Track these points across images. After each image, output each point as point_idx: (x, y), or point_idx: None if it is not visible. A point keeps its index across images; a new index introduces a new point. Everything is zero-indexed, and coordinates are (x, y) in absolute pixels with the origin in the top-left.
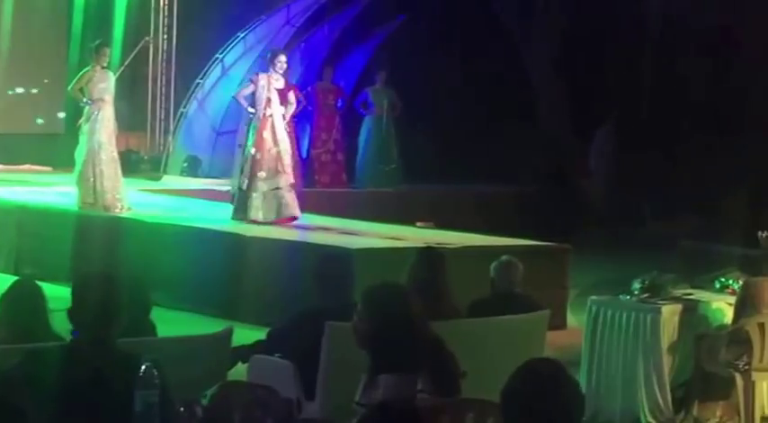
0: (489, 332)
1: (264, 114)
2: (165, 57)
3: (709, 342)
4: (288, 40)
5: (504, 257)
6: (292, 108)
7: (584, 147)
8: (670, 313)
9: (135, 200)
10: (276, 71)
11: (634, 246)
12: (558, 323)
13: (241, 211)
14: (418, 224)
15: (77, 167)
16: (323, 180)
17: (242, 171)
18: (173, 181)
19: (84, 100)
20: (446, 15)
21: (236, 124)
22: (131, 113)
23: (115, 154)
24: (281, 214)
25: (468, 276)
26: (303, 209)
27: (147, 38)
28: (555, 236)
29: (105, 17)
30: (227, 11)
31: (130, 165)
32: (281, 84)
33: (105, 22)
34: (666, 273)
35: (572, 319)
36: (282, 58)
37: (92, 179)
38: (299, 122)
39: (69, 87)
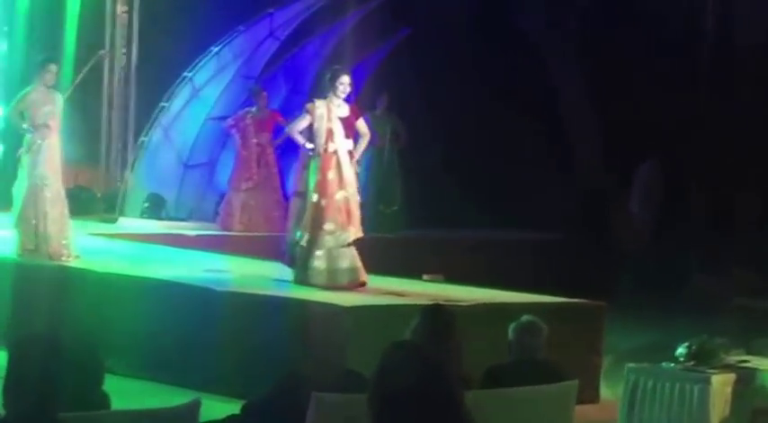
0: (507, 405)
1: (327, 150)
2: (123, 75)
3: None
4: (270, 55)
5: (525, 317)
6: (365, 140)
7: (622, 187)
8: (721, 384)
9: (85, 246)
10: (337, 96)
11: (679, 304)
12: (590, 395)
13: (302, 274)
14: (425, 277)
15: (16, 207)
16: None
17: (301, 222)
18: (131, 224)
19: (25, 126)
20: (458, 30)
21: (208, 155)
22: (82, 143)
23: (62, 191)
24: (351, 278)
25: (482, 340)
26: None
27: (101, 52)
28: (586, 292)
29: (53, 27)
30: (198, 21)
31: (81, 204)
32: (344, 111)
33: (53, 34)
34: (717, 336)
35: (606, 391)
36: (345, 78)
37: (33, 221)
38: (283, 157)
39: (7, 111)
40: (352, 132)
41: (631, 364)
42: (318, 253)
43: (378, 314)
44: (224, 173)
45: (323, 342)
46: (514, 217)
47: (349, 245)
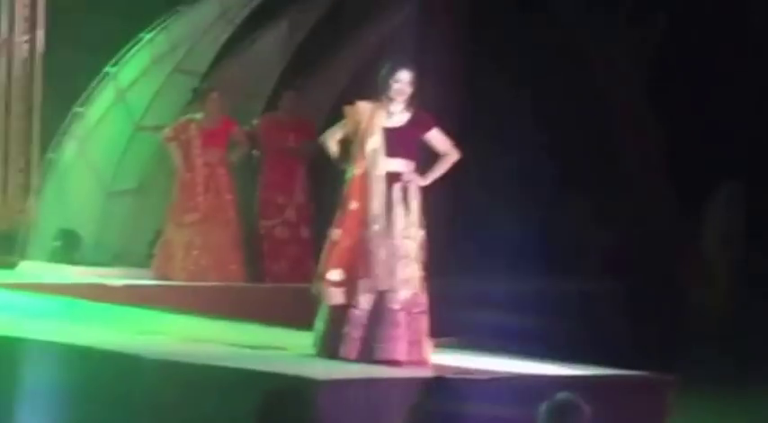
0: None
1: (354, 172)
2: (24, 70)
3: None
4: (221, 45)
5: (560, 395)
6: (446, 161)
7: (693, 223)
8: None
9: None
10: (392, 97)
11: None
12: None
13: (331, 341)
14: (434, 342)
15: None
16: (277, 269)
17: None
18: (36, 269)
19: None
20: (479, 11)
21: (139, 179)
22: None
23: None
24: (381, 350)
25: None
26: (240, 312)
27: None
28: (648, 362)
29: None
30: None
31: None
32: (398, 120)
33: None
34: None
35: None
36: (404, 76)
37: None
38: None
39: None
40: (410, 149)
41: None
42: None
43: (364, 390)
44: (159, 202)
45: None
46: (556, 262)
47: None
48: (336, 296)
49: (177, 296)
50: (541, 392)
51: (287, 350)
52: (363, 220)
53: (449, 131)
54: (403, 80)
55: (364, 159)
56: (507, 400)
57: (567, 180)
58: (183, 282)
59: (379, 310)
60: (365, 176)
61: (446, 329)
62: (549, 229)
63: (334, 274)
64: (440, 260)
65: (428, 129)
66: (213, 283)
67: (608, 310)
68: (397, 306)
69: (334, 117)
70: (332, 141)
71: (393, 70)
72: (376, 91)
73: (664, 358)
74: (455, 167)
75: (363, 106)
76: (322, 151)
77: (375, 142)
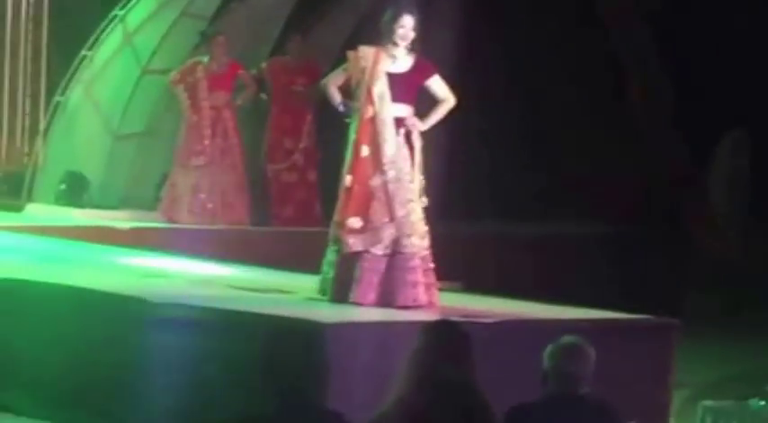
0: None
1: (363, 117)
2: (30, 13)
3: None
4: None
5: (565, 339)
6: (444, 107)
7: (700, 168)
8: None
9: None
10: (396, 43)
11: None
12: None
13: (322, 283)
14: (440, 285)
15: None
16: (284, 213)
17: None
18: (42, 212)
19: None
20: None
21: (146, 122)
22: None
23: None
24: (401, 294)
25: (507, 368)
26: (246, 256)
27: None
28: (652, 305)
29: None
30: None
31: None
32: (402, 66)
33: None
34: None
35: None
36: (407, 20)
37: None
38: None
39: None
40: (412, 94)
41: (709, 402)
42: (334, 256)
43: (369, 333)
44: (166, 145)
45: (293, 372)
46: (561, 206)
47: (407, 247)
48: (357, 243)
49: (183, 239)
50: (547, 335)
51: (293, 293)
52: (377, 165)
53: (449, 78)
54: (407, 25)
55: (372, 104)
56: (513, 344)
57: (576, 125)
58: (190, 225)
59: (396, 255)
60: (374, 121)
61: (448, 274)
62: (558, 175)
63: (354, 222)
64: (439, 204)
65: (430, 75)
66: (219, 227)
67: (615, 255)
68: (413, 251)
69: (342, 61)
70: (333, 86)
71: (397, 15)
72: (379, 35)
73: (668, 302)
74: (453, 112)
75: (367, 51)
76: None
77: (382, 87)
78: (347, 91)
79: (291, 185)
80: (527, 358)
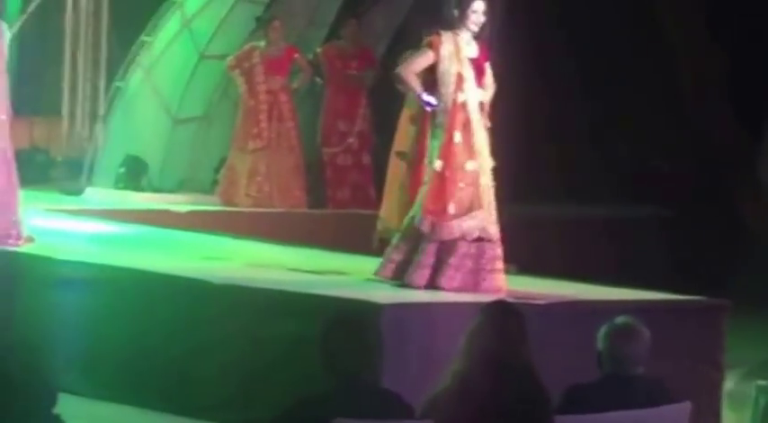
0: None
1: (455, 102)
2: None
3: None
4: None
5: (620, 320)
6: (491, 92)
7: (751, 147)
8: None
9: (40, 226)
10: (468, 28)
11: None
12: (707, 422)
13: (408, 268)
14: None
15: None
16: (339, 196)
17: (399, 194)
18: (102, 196)
19: None
20: None
21: (204, 106)
22: (37, 90)
23: (9, 153)
24: (486, 280)
25: (562, 349)
26: (303, 238)
27: None
28: (704, 286)
29: None
30: None
31: (35, 170)
32: (474, 50)
33: None
34: None
35: (730, 416)
36: (479, 5)
37: None
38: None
39: None
40: (482, 78)
41: (763, 382)
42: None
43: (425, 313)
44: (224, 129)
45: (351, 352)
46: (612, 188)
47: (488, 235)
48: (453, 230)
49: (241, 222)
50: (601, 317)
51: (349, 275)
52: (469, 151)
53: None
54: (479, 10)
55: (462, 90)
56: (567, 325)
57: (625, 109)
58: (247, 208)
59: (484, 242)
60: (465, 107)
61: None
62: (608, 158)
63: (451, 208)
64: (504, 188)
65: (487, 59)
66: (276, 209)
67: (667, 237)
68: (497, 237)
69: (396, 45)
70: (412, 74)
71: (471, 1)
72: (444, 20)
73: (720, 283)
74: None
75: (448, 36)
76: (384, 79)
77: (469, 72)
78: (426, 77)
79: (346, 168)
80: (582, 339)
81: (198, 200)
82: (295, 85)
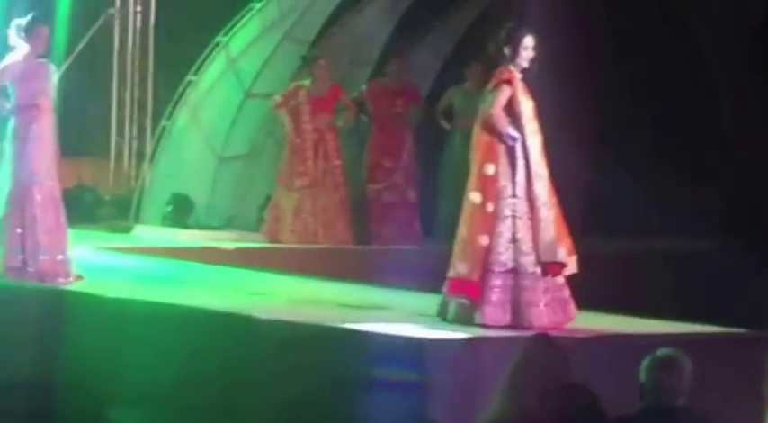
0: None
1: (524, 143)
2: (138, 40)
3: None
4: (328, 14)
5: (662, 351)
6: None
7: None
8: None
9: (89, 264)
10: (519, 64)
11: None
12: None
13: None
14: None
15: None
16: (385, 232)
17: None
18: (149, 234)
19: (9, 107)
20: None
21: (249, 145)
22: (85, 129)
23: (58, 192)
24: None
25: (605, 381)
26: (347, 274)
27: (109, 10)
28: (747, 318)
29: None
30: None
31: (83, 209)
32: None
33: None
34: None
35: None
36: (530, 41)
37: (19, 231)
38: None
39: None
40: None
41: None
42: (497, 283)
43: (467, 348)
44: (269, 167)
45: (396, 385)
46: (654, 221)
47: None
48: (506, 262)
49: (287, 258)
50: (643, 349)
51: (394, 310)
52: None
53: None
54: (530, 46)
55: (524, 127)
56: (609, 357)
57: (671, 141)
58: (293, 244)
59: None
60: (527, 147)
61: None
62: (654, 190)
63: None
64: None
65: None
66: (322, 246)
67: (712, 269)
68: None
69: (440, 82)
70: (500, 110)
71: (522, 36)
72: (492, 56)
73: (764, 315)
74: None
75: (506, 71)
76: (428, 116)
77: (529, 110)
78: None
79: (392, 205)
80: (624, 372)
81: (244, 237)
82: (340, 123)
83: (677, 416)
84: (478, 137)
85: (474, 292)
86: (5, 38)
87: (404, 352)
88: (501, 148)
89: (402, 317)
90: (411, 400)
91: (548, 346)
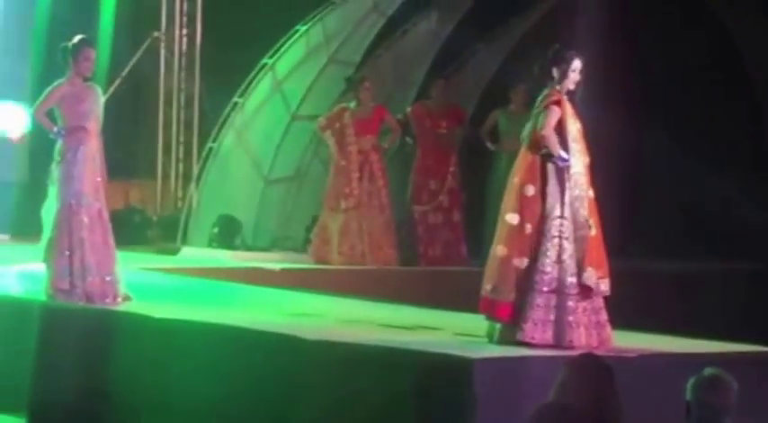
0: None
1: (571, 164)
2: (183, 63)
3: None
4: (374, 36)
5: (708, 371)
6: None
7: None
8: None
9: (137, 285)
10: (566, 86)
11: None
12: None
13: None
14: None
15: (46, 235)
16: (431, 253)
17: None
18: (197, 255)
19: (56, 129)
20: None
21: (296, 166)
22: (132, 151)
23: (105, 213)
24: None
25: (652, 401)
26: (394, 295)
27: (155, 33)
28: None
29: (87, 3)
30: None
31: (131, 230)
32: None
33: (87, 11)
34: None
35: None
36: (578, 64)
37: (67, 252)
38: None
39: (32, 110)
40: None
41: None
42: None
43: (515, 367)
44: (315, 188)
45: (444, 405)
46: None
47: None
48: (550, 284)
49: (333, 279)
50: (688, 369)
51: (441, 330)
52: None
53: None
54: (578, 68)
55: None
56: (655, 377)
57: (717, 160)
58: (339, 265)
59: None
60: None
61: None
62: (698, 210)
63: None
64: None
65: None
66: (368, 267)
67: (752, 291)
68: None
69: (484, 104)
70: (552, 130)
71: (572, 58)
72: (537, 78)
73: None
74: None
75: (562, 95)
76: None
77: (575, 130)
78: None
79: (437, 226)
80: (670, 391)
81: (290, 258)
82: (385, 144)
83: None
84: (523, 157)
85: (505, 312)
86: (51, 61)
87: (451, 371)
88: (551, 169)
89: (448, 337)
90: (459, 419)
91: (594, 365)
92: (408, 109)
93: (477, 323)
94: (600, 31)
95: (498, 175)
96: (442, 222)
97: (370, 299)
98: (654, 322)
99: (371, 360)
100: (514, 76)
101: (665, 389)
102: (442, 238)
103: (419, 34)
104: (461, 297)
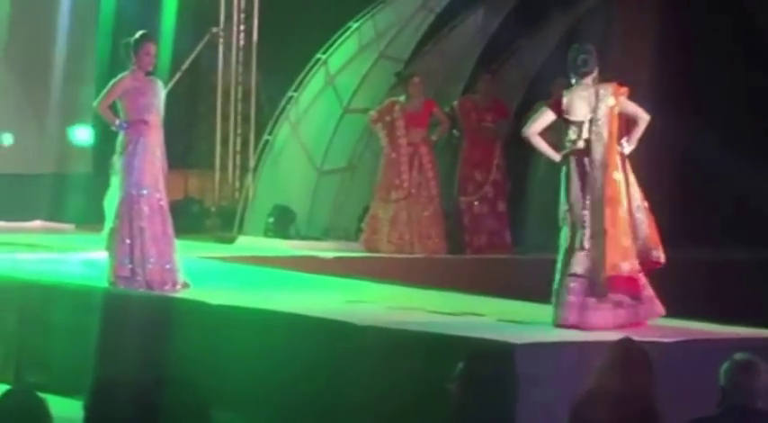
0: None
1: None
2: (240, 58)
3: None
4: (423, 32)
5: (740, 355)
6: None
7: None
8: None
9: (195, 272)
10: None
11: None
12: None
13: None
14: None
15: (108, 224)
16: (476, 242)
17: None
18: (252, 244)
19: (118, 122)
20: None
21: (348, 158)
22: (191, 143)
23: (165, 204)
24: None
25: (686, 385)
26: (441, 282)
27: (213, 29)
28: None
29: (150, 1)
30: None
31: (189, 220)
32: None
33: (149, 7)
34: None
35: None
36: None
37: (128, 241)
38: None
39: (95, 103)
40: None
41: None
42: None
43: (556, 352)
44: (366, 179)
45: (487, 388)
46: (743, 231)
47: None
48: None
49: (383, 267)
50: (722, 353)
51: (486, 316)
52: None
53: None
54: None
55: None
56: (691, 362)
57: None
58: (389, 254)
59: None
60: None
61: None
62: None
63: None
64: None
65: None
66: (417, 255)
67: None
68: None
69: (529, 98)
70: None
71: (586, 51)
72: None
73: None
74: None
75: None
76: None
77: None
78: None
79: (483, 216)
80: (705, 375)
81: (342, 247)
82: (434, 137)
83: (756, 418)
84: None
85: (634, 286)
86: (114, 56)
87: (493, 355)
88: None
89: (493, 322)
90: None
91: (632, 350)
92: (455, 103)
93: (520, 309)
94: (646, 27)
95: (540, 166)
96: (487, 212)
97: (418, 286)
98: (688, 308)
99: (418, 344)
100: (558, 70)
101: (700, 373)
102: (487, 228)
103: (466, 30)
104: (505, 284)
